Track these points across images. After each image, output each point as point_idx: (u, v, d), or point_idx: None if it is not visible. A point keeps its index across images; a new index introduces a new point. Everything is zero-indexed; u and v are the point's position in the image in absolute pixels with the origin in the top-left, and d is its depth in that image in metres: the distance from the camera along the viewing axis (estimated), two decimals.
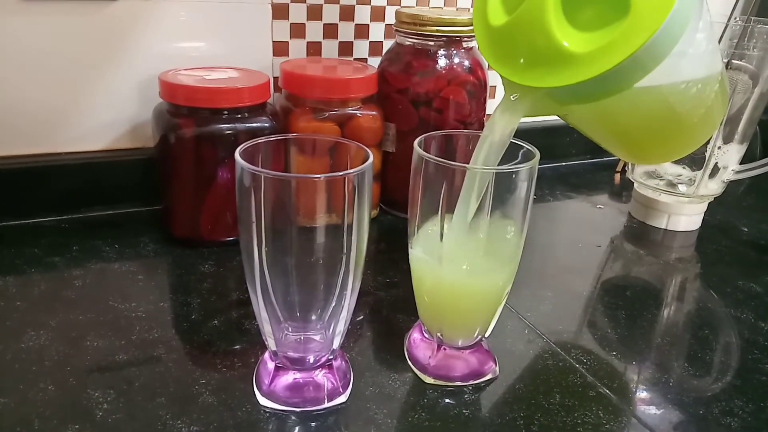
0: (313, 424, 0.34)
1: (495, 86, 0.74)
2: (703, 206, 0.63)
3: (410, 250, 0.38)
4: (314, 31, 0.62)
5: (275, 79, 0.61)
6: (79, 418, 0.33)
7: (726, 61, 0.55)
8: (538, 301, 0.48)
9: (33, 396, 0.35)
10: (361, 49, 0.65)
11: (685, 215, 0.62)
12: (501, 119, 0.34)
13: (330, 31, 0.63)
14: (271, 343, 0.35)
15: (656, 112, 0.35)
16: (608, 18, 0.29)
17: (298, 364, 0.36)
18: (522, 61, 0.32)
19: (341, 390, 0.36)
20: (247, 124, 0.50)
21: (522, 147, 0.36)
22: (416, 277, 0.38)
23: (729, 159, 0.60)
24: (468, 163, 0.35)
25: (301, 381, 0.36)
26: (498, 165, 0.35)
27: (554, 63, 0.30)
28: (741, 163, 0.61)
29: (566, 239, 0.61)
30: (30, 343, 0.39)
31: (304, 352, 0.36)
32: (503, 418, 0.36)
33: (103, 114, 0.57)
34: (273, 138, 0.35)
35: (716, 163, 0.60)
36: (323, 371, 0.36)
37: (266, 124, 0.51)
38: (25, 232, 0.53)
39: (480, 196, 0.34)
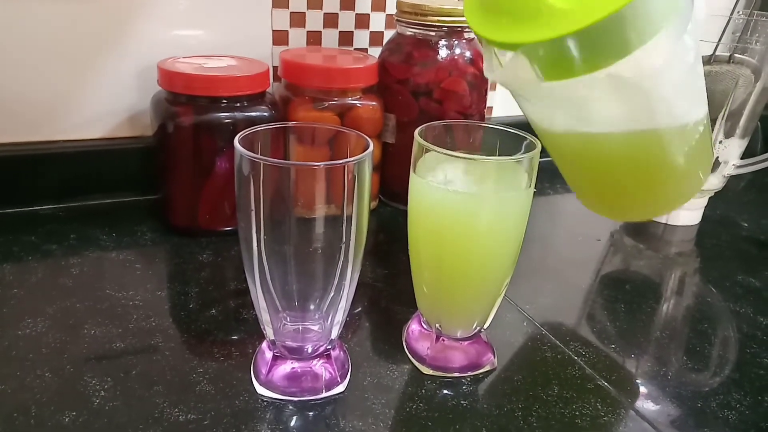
0: (310, 413, 0.34)
1: None
2: (704, 201, 0.62)
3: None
4: (314, 20, 0.62)
5: (275, 68, 0.60)
6: (76, 405, 0.33)
7: (729, 54, 0.55)
8: (537, 294, 0.48)
9: (30, 383, 0.34)
10: (361, 38, 0.65)
11: (685, 210, 0.62)
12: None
13: (330, 20, 0.62)
14: (269, 333, 0.35)
15: (639, 148, 0.34)
16: None
17: (296, 353, 0.36)
18: (505, 20, 0.31)
19: (339, 380, 0.36)
20: (246, 113, 0.50)
21: (524, 138, 0.36)
22: (414, 249, 0.38)
23: (730, 154, 0.60)
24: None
25: (299, 370, 0.36)
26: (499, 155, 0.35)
27: (536, 18, 0.29)
28: (742, 158, 0.61)
29: (566, 232, 0.61)
30: (27, 331, 0.39)
31: (303, 342, 0.36)
32: (501, 410, 0.36)
33: (102, 102, 0.56)
34: (272, 126, 0.35)
35: (717, 157, 0.60)
36: (321, 361, 0.36)
37: (265, 114, 0.51)
38: (23, 219, 0.53)
39: None
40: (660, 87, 0.33)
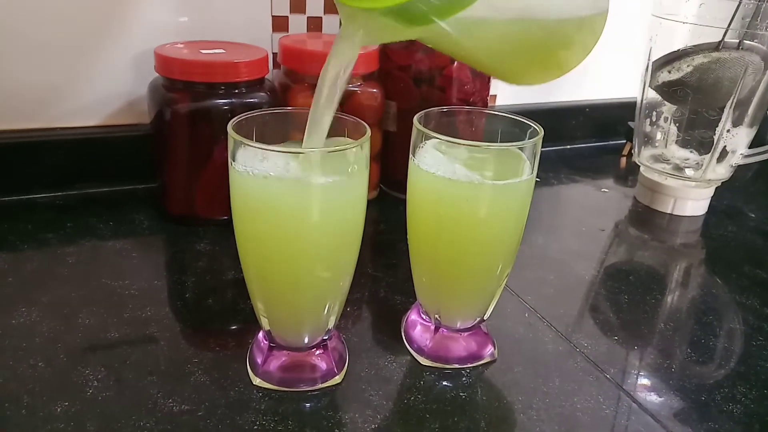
0: (307, 404, 0.34)
1: None
2: (710, 191, 0.61)
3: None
4: (315, 5, 0.60)
5: (274, 54, 0.59)
6: (69, 394, 0.33)
7: (738, 41, 0.53)
8: (539, 284, 0.47)
9: (23, 372, 0.34)
10: None
11: (691, 200, 0.61)
12: (339, 49, 0.30)
13: (331, 5, 0.61)
14: (265, 323, 0.35)
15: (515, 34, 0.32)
16: None
17: (293, 344, 0.35)
18: None
19: (336, 371, 0.35)
20: (245, 100, 0.49)
21: (527, 125, 0.35)
22: (412, 233, 0.37)
23: (738, 143, 0.59)
24: (471, 139, 0.34)
25: (295, 361, 0.35)
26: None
27: None
28: (750, 147, 0.60)
29: (570, 222, 0.60)
30: (21, 320, 0.38)
31: (299, 332, 0.35)
32: (501, 402, 0.35)
33: (99, 88, 0.55)
34: (268, 111, 0.34)
35: (725, 146, 0.59)
36: (318, 352, 0.35)
37: (264, 100, 0.50)
38: (19, 207, 0.52)
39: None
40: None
